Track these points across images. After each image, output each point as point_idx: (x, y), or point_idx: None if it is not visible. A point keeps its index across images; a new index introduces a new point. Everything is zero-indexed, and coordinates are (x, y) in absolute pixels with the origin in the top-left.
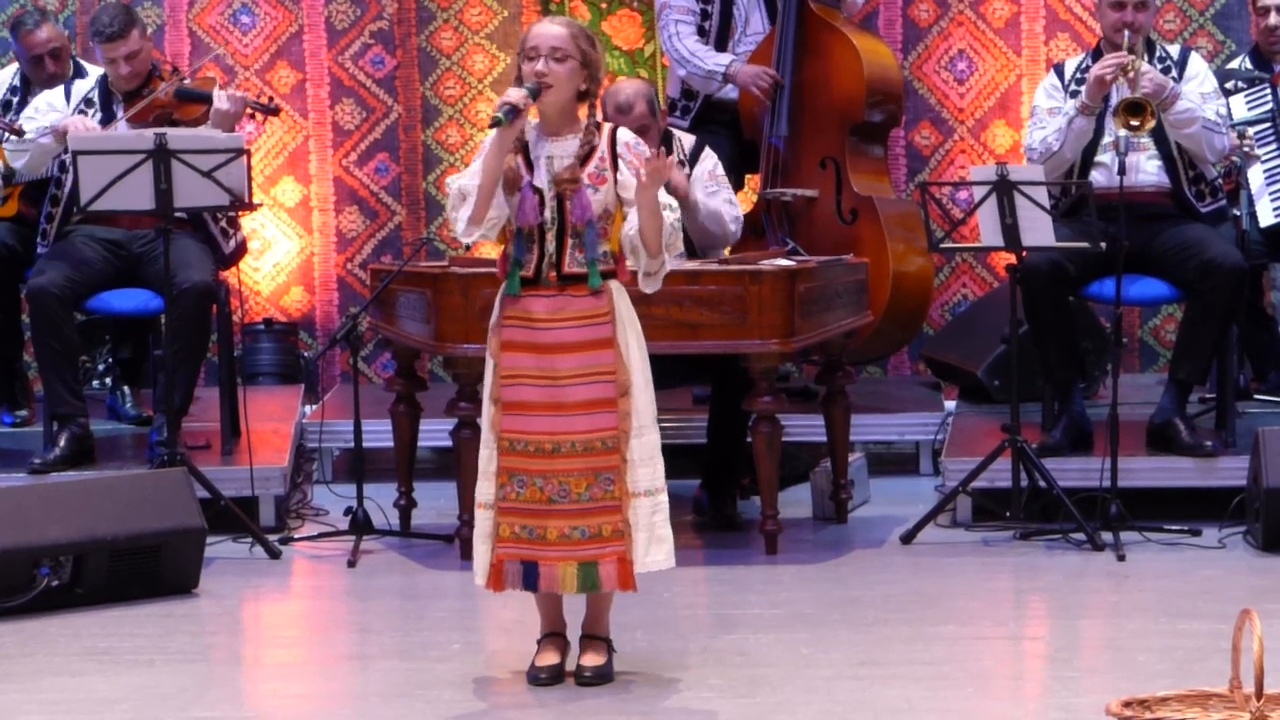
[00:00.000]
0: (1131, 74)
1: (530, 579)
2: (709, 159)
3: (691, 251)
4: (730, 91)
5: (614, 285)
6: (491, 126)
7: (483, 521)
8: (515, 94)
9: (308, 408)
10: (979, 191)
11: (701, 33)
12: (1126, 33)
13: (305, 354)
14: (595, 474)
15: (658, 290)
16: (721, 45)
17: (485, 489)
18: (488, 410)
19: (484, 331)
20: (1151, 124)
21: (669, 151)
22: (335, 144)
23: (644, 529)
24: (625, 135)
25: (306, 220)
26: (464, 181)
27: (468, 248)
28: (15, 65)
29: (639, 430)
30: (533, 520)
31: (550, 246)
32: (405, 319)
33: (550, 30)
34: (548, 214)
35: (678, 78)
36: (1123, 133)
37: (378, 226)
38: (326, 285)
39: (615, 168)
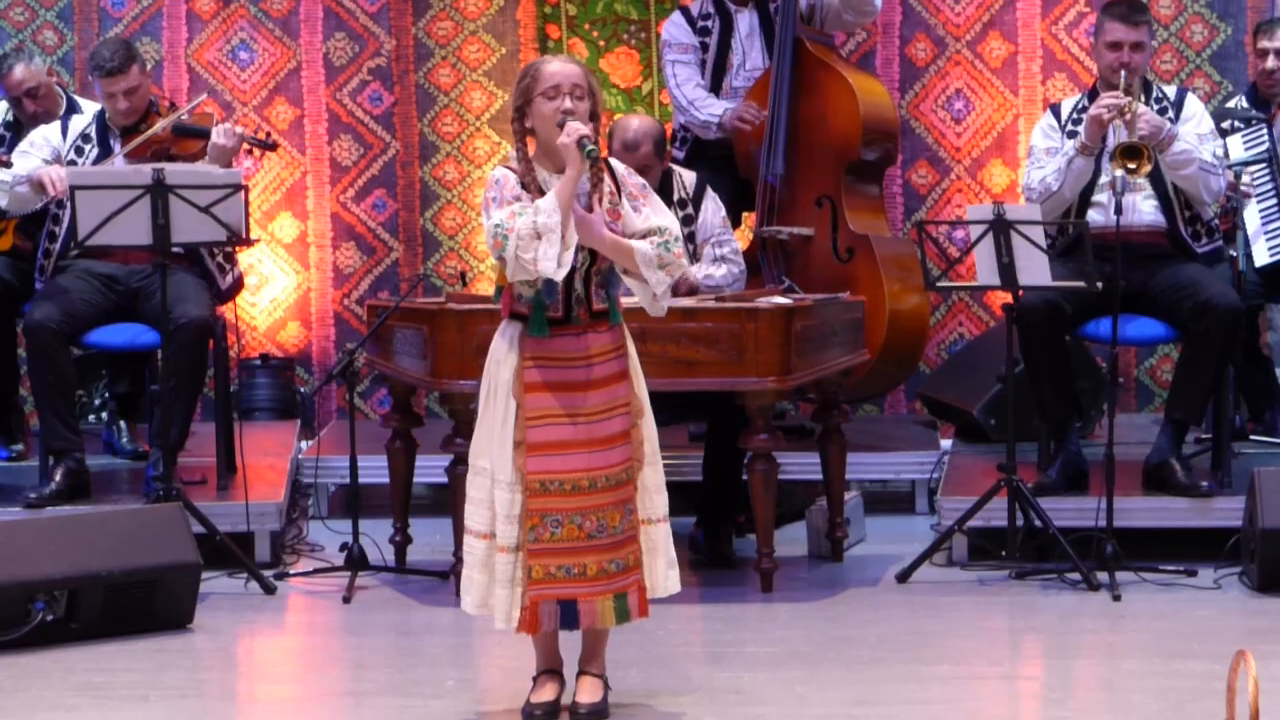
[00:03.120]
0: (1129, 115)
1: (569, 617)
2: (713, 203)
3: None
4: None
5: (624, 325)
6: (588, 156)
7: (504, 566)
8: (583, 127)
9: (304, 443)
10: (976, 230)
11: (702, 66)
12: (1123, 73)
13: (301, 389)
14: (624, 505)
15: (655, 327)
16: (718, 79)
17: (508, 533)
18: (504, 453)
19: (481, 368)
20: (1149, 168)
21: (668, 191)
22: (333, 180)
23: (662, 554)
24: (619, 167)
25: (304, 256)
26: (540, 219)
27: (464, 283)
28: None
29: (651, 457)
30: (571, 558)
31: (579, 286)
32: (402, 355)
33: (570, 68)
34: (580, 257)
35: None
36: (1119, 173)
37: (375, 262)
38: (323, 321)
39: (620, 198)
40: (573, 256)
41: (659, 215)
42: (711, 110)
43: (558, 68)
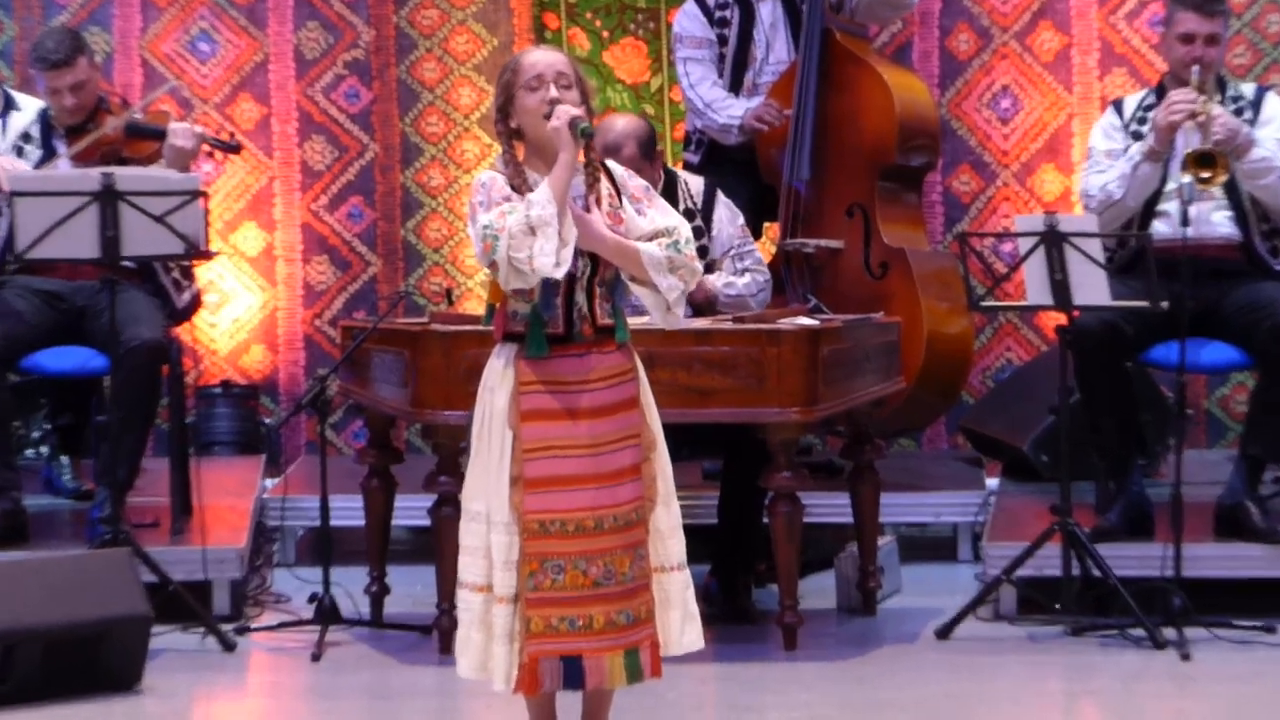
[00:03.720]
0: (1202, 117)
1: (573, 676)
2: (726, 211)
3: (700, 311)
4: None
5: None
6: (582, 135)
7: (502, 619)
8: (574, 108)
9: (269, 481)
10: (1025, 243)
11: (720, 61)
12: (1196, 69)
13: (266, 421)
14: (634, 549)
15: (664, 351)
16: (739, 76)
17: (506, 581)
18: (500, 490)
19: (468, 397)
20: (1224, 177)
21: (672, 200)
22: (304, 186)
23: (678, 606)
24: (617, 168)
25: (270, 271)
26: (534, 212)
27: (450, 301)
28: None
29: (665, 497)
30: (575, 609)
31: (581, 298)
32: (380, 382)
33: (553, 56)
34: (581, 262)
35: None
36: (1186, 179)
37: (350, 279)
38: (291, 344)
39: (621, 200)
40: (572, 255)
41: (665, 216)
42: (732, 112)
43: (539, 56)
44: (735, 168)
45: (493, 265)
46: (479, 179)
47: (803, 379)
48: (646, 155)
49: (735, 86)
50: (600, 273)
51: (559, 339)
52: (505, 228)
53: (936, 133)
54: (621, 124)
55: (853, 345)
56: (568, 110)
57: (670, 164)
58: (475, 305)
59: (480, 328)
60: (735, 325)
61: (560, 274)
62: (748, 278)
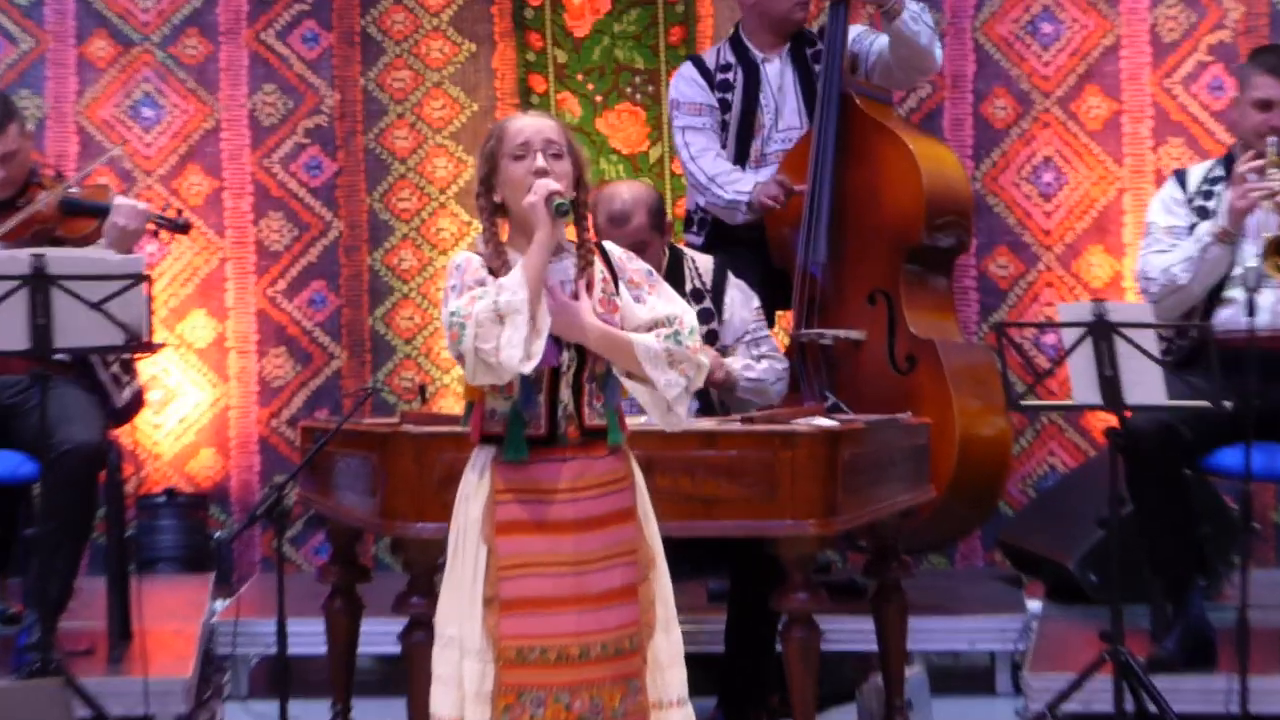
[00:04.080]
0: None
1: None
2: (739, 293)
3: (709, 406)
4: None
5: (627, 445)
6: (558, 214)
7: None
8: (553, 184)
9: (219, 603)
10: (1070, 335)
11: (723, 128)
12: (1273, 140)
13: (217, 534)
14: (626, 682)
15: (664, 455)
16: (744, 146)
17: (478, 715)
18: (473, 613)
19: (443, 507)
20: None
21: (679, 279)
22: (259, 269)
23: None
24: (614, 249)
25: (221, 365)
26: (505, 297)
27: (424, 399)
28: None
29: (665, 622)
30: None
31: (566, 395)
32: (344, 490)
33: (541, 122)
34: (565, 355)
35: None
36: (1253, 263)
37: (311, 373)
38: (245, 447)
39: (617, 287)
40: (544, 348)
41: (668, 303)
42: (739, 187)
43: (526, 122)
44: (743, 249)
45: (460, 357)
46: (454, 260)
47: (820, 487)
48: (657, 227)
49: (741, 158)
50: (589, 367)
51: (540, 441)
52: (473, 314)
53: (969, 210)
54: (629, 191)
55: (876, 449)
56: (546, 184)
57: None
58: (452, 403)
59: (457, 429)
60: (744, 426)
61: (528, 369)
62: (765, 364)
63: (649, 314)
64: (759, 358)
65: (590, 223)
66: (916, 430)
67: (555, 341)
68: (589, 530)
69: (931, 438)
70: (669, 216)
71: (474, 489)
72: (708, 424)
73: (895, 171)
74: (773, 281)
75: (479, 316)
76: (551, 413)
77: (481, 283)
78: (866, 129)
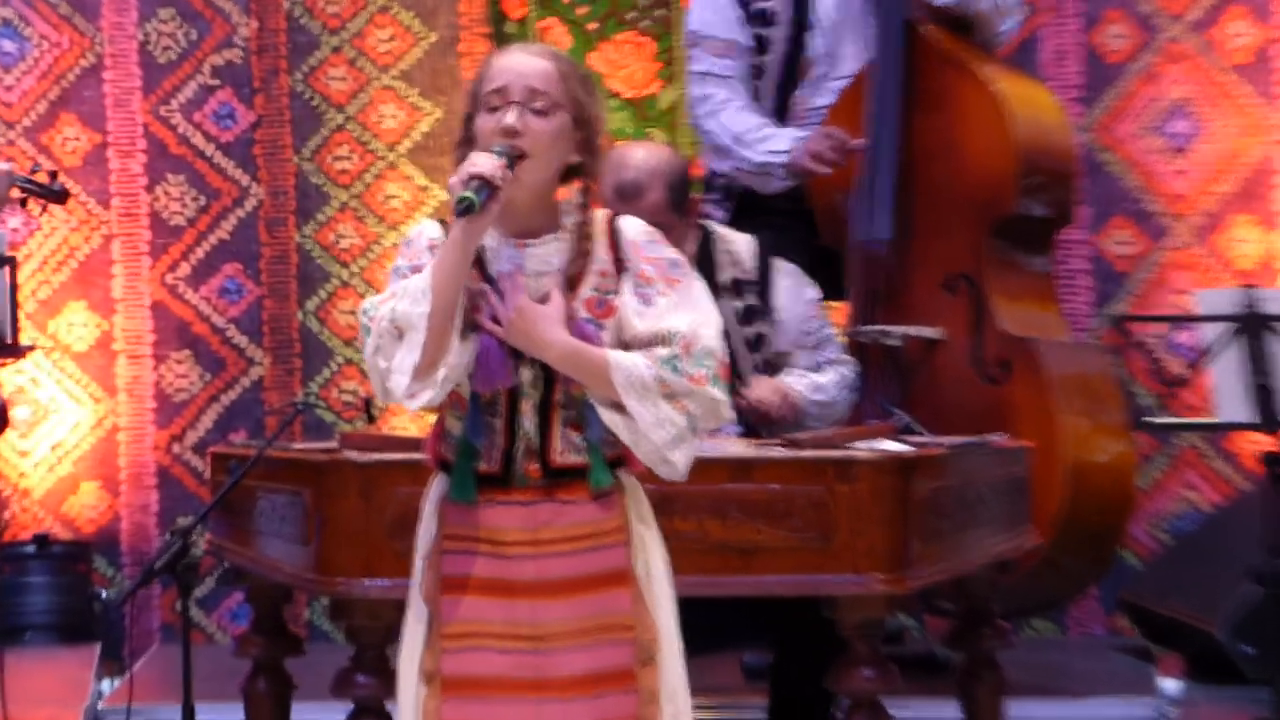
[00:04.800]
0: None
1: None
2: (791, 280)
3: (747, 426)
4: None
5: (626, 481)
6: (460, 213)
7: None
8: (485, 162)
9: (106, 684)
10: (1212, 332)
11: (755, 74)
12: None
13: (103, 594)
14: None
15: (686, 491)
16: (786, 96)
17: None
18: (412, 693)
19: (397, 558)
20: None
21: (708, 267)
22: (155, 249)
23: None
24: (631, 228)
25: (107, 374)
26: (403, 307)
27: (371, 417)
28: None
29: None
30: None
31: (528, 423)
32: (269, 537)
33: (527, 64)
34: (526, 372)
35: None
36: None
37: (224, 384)
38: (139, 481)
39: (620, 282)
40: (496, 362)
41: (678, 312)
42: (772, 145)
43: (509, 62)
44: (778, 226)
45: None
46: (411, 231)
47: (888, 531)
48: (677, 205)
49: (780, 113)
50: (559, 387)
51: (492, 480)
52: (377, 318)
53: (1072, 169)
54: (643, 158)
55: (961, 482)
56: (473, 163)
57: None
58: (406, 422)
59: (415, 455)
60: (788, 452)
61: (414, 405)
62: (832, 374)
63: (649, 325)
64: (823, 364)
65: (595, 194)
66: (1012, 456)
67: (514, 354)
68: (553, 596)
69: (1033, 466)
70: (691, 191)
71: (423, 530)
72: (740, 449)
73: (977, 120)
74: (821, 265)
75: (378, 320)
76: (509, 444)
77: (417, 269)
78: (939, 66)
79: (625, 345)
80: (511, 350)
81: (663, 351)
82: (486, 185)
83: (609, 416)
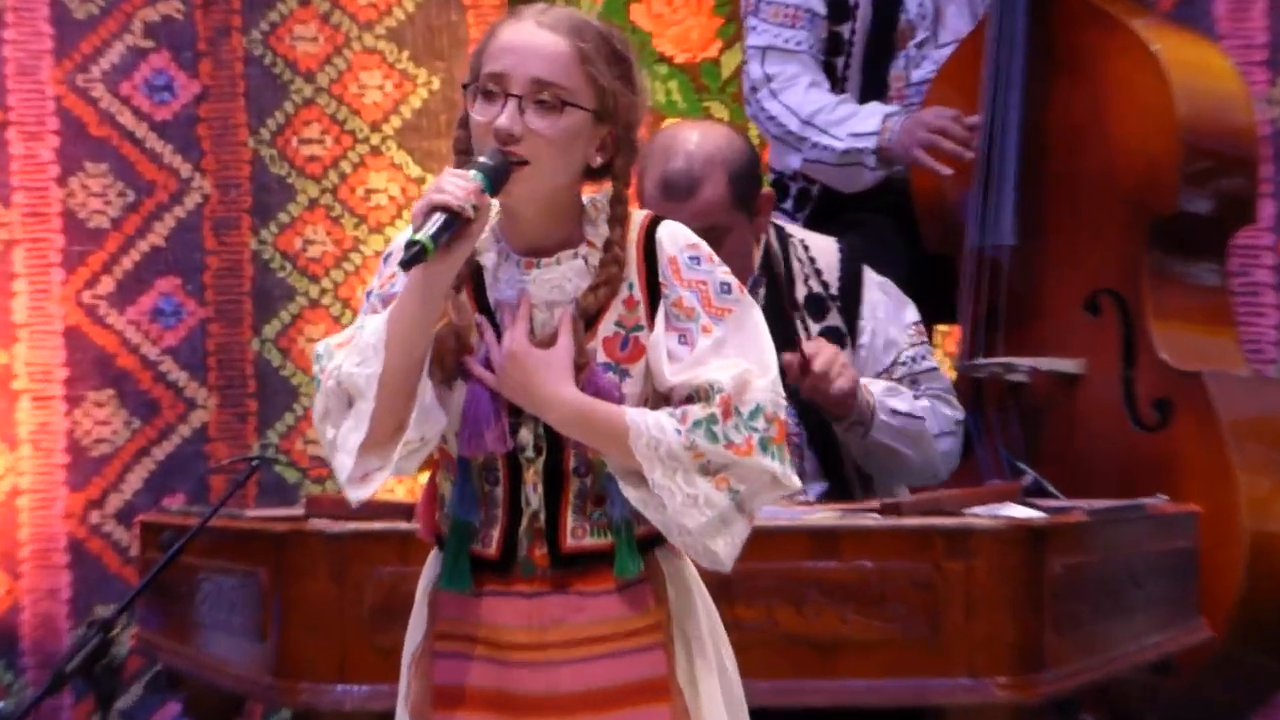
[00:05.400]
0: None
1: None
2: (883, 296)
3: (839, 482)
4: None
5: (666, 563)
6: (406, 263)
7: None
8: (452, 187)
9: None
10: None
11: (834, 47)
12: None
13: (0, 705)
14: None
15: (750, 569)
16: (878, 71)
17: None
18: None
19: (381, 657)
20: None
21: (778, 282)
22: (69, 259)
23: None
24: (672, 240)
25: (5, 420)
26: (349, 365)
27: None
28: None
29: None
30: None
31: (533, 496)
32: (213, 631)
33: (535, 43)
34: (526, 433)
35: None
36: None
37: (157, 433)
38: (46, 557)
39: (652, 316)
40: (491, 418)
41: (724, 355)
42: (857, 125)
43: (516, 38)
44: (870, 229)
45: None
46: (395, 241)
47: (1014, 621)
48: (742, 200)
49: (872, 92)
50: (569, 450)
51: (491, 566)
52: (328, 371)
53: (1254, 153)
54: (695, 140)
55: (1107, 557)
56: (437, 188)
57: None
58: (392, 482)
59: (402, 525)
60: (884, 520)
61: (355, 493)
62: (925, 401)
63: (685, 373)
64: (916, 391)
65: (635, 186)
66: (1175, 525)
67: (504, 412)
68: (568, 714)
69: (1202, 537)
70: (763, 185)
71: (413, 624)
72: (823, 515)
73: (1129, 90)
74: (926, 278)
75: (329, 382)
76: (511, 523)
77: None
78: (1078, 22)
79: (658, 399)
80: (509, 404)
81: (698, 410)
82: (450, 224)
83: (633, 493)
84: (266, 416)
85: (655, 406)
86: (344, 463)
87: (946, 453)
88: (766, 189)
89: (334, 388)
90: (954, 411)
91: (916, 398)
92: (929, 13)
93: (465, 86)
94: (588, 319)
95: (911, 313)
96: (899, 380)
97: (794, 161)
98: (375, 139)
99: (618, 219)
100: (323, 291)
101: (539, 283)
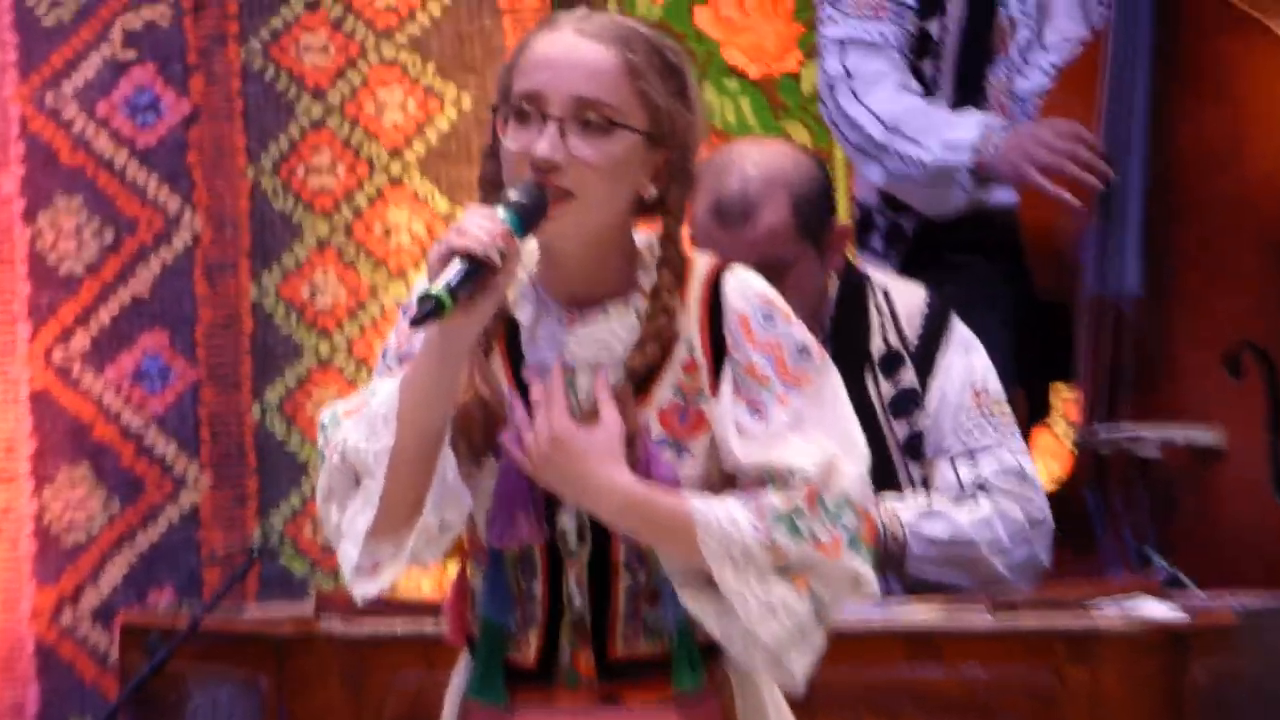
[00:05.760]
0: None
1: None
2: (961, 356)
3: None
4: (997, 194)
5: (733, 672)
6: (419, 320)
7: None
8: (478, 227)
9: None
10: None
11: (921, 49)
12: None
13: None
14: None
15: (839, 679)
16: (974, 77)
17: None
18: None
19: None
20: None
21: (855, 333)
22: (36, 311)
23: None
24: (740, 292)
25: None
26: (355, 438)
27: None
28: None
29: None
30: None
31: (576, 594)
32: None
33: (577, 56)
34: (567, 520)
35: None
36: None
37: (140, 516)
38: (9, 666)
39: (716, 383)
40: (438, 544)
41: (804, 432)
42: (950, 136)
43: (554, 49)
44: (967, 278)
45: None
46: (415, 290)
47: None
48: (808, 232)
49: (967, 99)
50: (618, 542)
51: (528, 677)
52: (334, 443)
53: None
54: (753, 159)
55: (1260, 665)
56: (459, 230)
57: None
58: (416, 575)
59: (426, 628)
60: (995, 622)
61: (361, 588)
62: (985, 508)
63: (758, 453)
64: (979, 488)
65: (686, 221)
66: None
67: (541, 500)
68: None
69: None
70: (835, 214)
71: None
72: (927, 613)
73: (1276, 109)
74: (1028, 333)
75: (334, 457)
76: (551, 629)
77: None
78: (1220, 23)
79: (722, 481)
80: (545, 489)
81: (777, 501)
82: (473, 274)
83: (692, 597)
84: (269, 497)
85: (719, 490)
86: (349, 551)
87: (1023, 562)
88: (842, 222)
89: (339, 464)
90: (1033, 507)
91: (972, 496)
92: (1031, 8)
93: (494, 109)
94: (639, 383)
95: (980, 369)
96: (954, 459)
97: (874, 175)
98: (396, 167)
99: (668, 261)
100: (334, 349)
101: (583, 340)
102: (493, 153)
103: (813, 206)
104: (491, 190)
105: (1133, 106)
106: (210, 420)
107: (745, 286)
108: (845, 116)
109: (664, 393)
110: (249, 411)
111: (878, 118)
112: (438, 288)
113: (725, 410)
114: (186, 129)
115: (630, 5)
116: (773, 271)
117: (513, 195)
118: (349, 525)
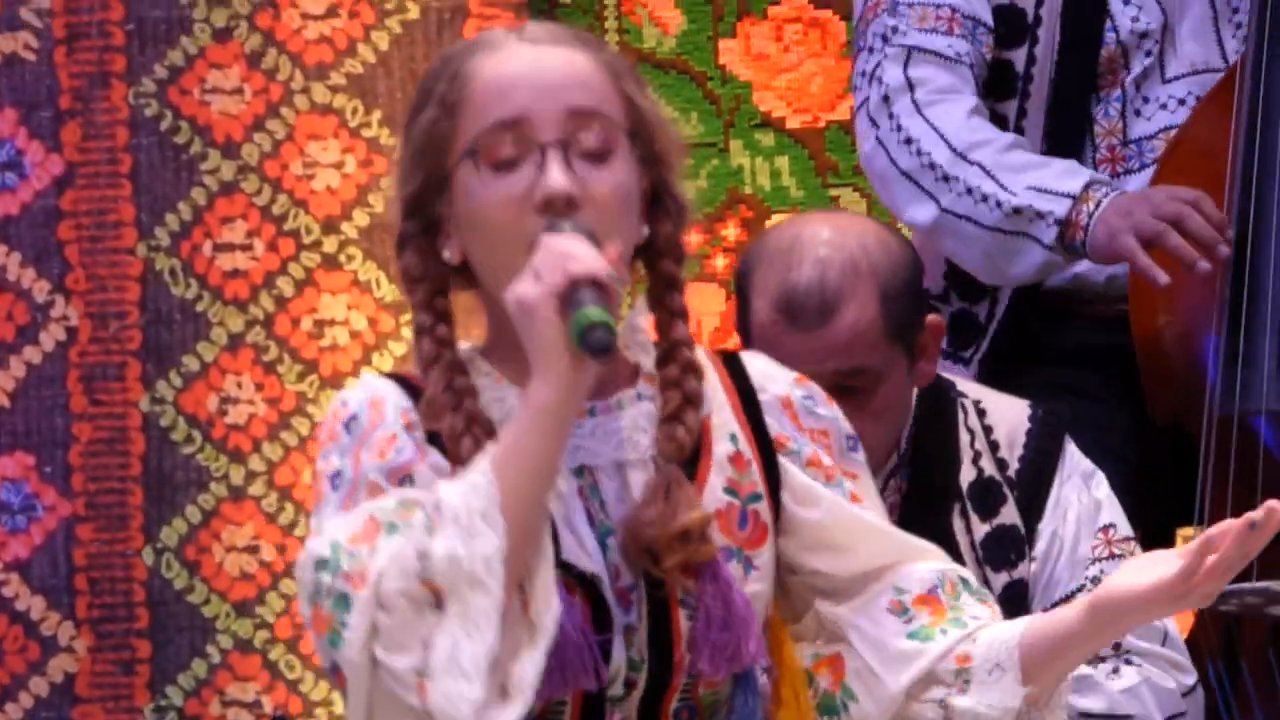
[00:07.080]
0: None
1: None
2: (1076, 489)
3: None
4: (1097, 270)
5: None
6: (598, 354)
7: None
8: (584, 253)
9: None
10: None
11: (1000, 86)
12: None
13: None
14: None
15: None
16: (1073, 116)
17: None
18: None
19: None
20: None
21: (941, 462)
22: None
23: None
24: (767, 373)
25: None
26: (446, 546)
27: None
28: None
29: None
30: None
31: None
32: None
33: (552, 65)
34: (620, 652)
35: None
36: None
37: (1, 690)
38: None
39: (771, 482)
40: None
41: (909, 545)
42: (1042, 181)
43: (520, 66)
44: (1078, 398)
45: (335, 672)
46: (338, 402)
47: None
48: (899, 334)
49: (1062, 145)
50: (674, 683)
51: None
52: (370, 575)
53: None
54: (828, 238)
55: None
56: (568, 256)
57: None
58: None
59: None
60: None
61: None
62: (1130, 675)
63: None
64: (1113, 648)
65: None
66: None
67: (598, 627)
68: None
69: None
70: (925, 309)
71: None
72: None
73: None
74: (1155, 458)
75: (385, 585)
76: None
77: (404, 472)
78: None
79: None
80: (591, 616)
81: (948, 589)
82: (604, 295)
83: None
84: (164, 665)
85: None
86: (460, 689)
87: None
88: (934, 316)
89: (398, 590)
90: (1182, 673)
91: (1115, 671)
92: (1153, 27)
93: (425, 181)
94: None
95: (1109, 511)
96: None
97: (921, 215)
98: (330, 243)
99: (675, 312)
100: (250, 476)
101: (600, 435)
102: (415, 234)
103: (904, 303)
104: (426, 290)
105: (1275, 168)
106: (89, 567)
107: (767, 366)
108: (898, 133)
109: (715, 492)
110: (139, 556)
111: (944, 138)
112: (599, 314)
113: (795, 516)
114: (59, 194)
115: (636, 38)
116: (858, 385)
117: (567, 227)
118: (451, 663)
